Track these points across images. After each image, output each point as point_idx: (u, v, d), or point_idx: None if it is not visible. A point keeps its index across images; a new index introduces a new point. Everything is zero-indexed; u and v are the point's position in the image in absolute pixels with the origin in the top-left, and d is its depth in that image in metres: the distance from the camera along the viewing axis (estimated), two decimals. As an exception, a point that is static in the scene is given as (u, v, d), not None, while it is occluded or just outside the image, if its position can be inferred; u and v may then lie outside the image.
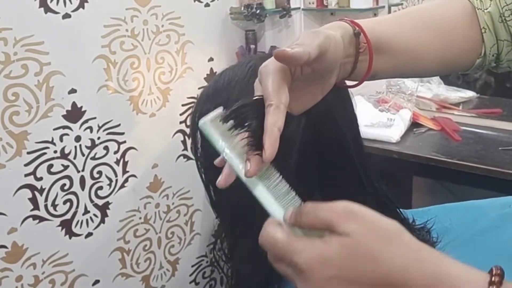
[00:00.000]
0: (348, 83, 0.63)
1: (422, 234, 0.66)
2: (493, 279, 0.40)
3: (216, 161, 0.52)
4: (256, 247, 0.61)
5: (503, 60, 0.69)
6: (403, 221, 0.66)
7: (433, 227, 0.68)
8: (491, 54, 0.68)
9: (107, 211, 1.52)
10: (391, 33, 0.63)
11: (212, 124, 0.48)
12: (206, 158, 0.67)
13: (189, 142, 1.74)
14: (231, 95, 0.61)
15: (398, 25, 0.65)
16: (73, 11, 1.35)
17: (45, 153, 1.35)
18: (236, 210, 0.63)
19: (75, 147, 1.41)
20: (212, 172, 0.67)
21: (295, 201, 0.47)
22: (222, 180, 0.50)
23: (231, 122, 0.47)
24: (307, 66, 0.51)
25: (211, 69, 1.77)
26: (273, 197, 0.47)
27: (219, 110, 0.49)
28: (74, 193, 1.43)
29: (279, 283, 0.59)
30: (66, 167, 1.40)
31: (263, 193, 0.47)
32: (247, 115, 0.47)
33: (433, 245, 0.66)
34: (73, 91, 1.38)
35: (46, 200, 1.37)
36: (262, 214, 0.59)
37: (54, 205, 1.39)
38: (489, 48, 0.68)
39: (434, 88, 1.94)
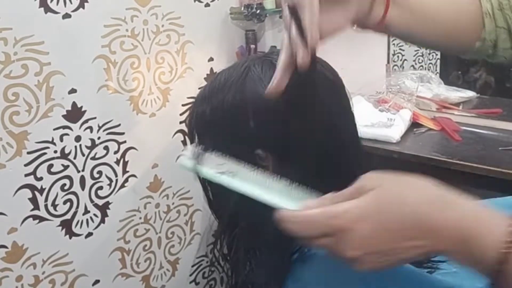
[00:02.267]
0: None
1: None
2: None
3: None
4: (253, 247, 0.62)
5: (499, 48, 0.74)
6: None
7: None
8: (490, 39, 0.73)
9: (107, 211, 1.52)
10: None
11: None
12: None
13: (189, 142, 1.73)
14: (226, 95, 0.61)
15: None
16: (73, 11, 1.35)
17: (45, 153, 1.35)
18: (233, 211, 0.63)
19: (75, 147, 1.41)
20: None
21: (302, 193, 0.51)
22: (273, 87, 0.53)
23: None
24: None
25: (211, 69, 1.77)
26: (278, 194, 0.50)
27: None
28: (74, 193, 1.43)
29: (279, 283, 0.59)
30: (66, 167, 1.40)
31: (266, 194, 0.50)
32: None
33: None
34: (73, 91, 1.38)
35: (46, 200, 1.37)
36: (259, 215, 0.59)
37: (54, 205, 1.39)
38: (488, 33, 0.73)
39: (434, 88, 1.94)
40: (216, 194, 0.67)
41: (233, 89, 0.61)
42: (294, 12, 0.52)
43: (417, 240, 0.44)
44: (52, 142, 1.36)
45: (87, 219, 1.48)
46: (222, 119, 0.61)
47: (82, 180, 1.45)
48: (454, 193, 0.46)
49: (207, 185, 0.67)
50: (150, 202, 1.65)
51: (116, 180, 1.54)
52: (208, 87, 0.65)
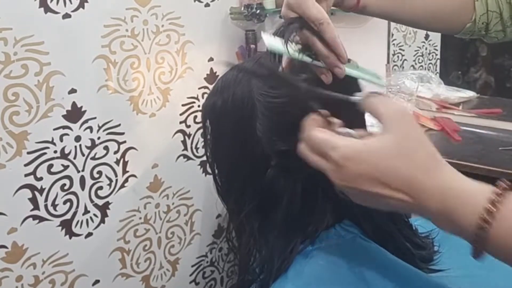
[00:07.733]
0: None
1: (426, 243, 0.67)
2: (498, 190, 0.42)
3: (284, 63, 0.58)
4: (261, 230, 0.62)
5: (492, 30, 0.79)
6: (407, 224, 0.66)
7: (436, 236, 0.69)
8: (481, 22, 0.78)
9: (107, 211, 1.52)
10: None
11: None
12: (215, 141, 0.68)
13: (189, 142, 1.74)
14: (235, 90, 0.63)
15: None
16: (73, 11, 1.35)
17: (45, 153, 1.35)
18: (240, 195, 0.64)
19: (75, 147, 1.41)
20: (219, 152, 0.68)
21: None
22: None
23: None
24: None
25: (211, 69, 1.77)
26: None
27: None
28: (74, 193, 1.43)
29: (286, 262, 0.59)
30: (66, 167, 1.40)
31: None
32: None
33: (434, 254, 0.66)
34: (73, 91, 1.38)
35: (46, 200, 1.37)
36: (266, 196, 0.60)
37: (54, 205, 1.39)
38: (479, 16, 0.78)
39: (434, 88, 1.94)
40: (225, 176, 0.68)
41: (244, 79, 0.63)
42: (310, 28, 0.55)
43: (398, 192, 0.45)
44: (52, 142, 1.36)
45: (87, 219, 1.48)
46: (232, 111, 0.64)
47: (82, 180, 1.45)
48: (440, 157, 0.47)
49: (215, 168, 0.68)
50: (150, 202, 1.65)
51: (116, 180, 1.54)
52: (221, 79, 0.67)
